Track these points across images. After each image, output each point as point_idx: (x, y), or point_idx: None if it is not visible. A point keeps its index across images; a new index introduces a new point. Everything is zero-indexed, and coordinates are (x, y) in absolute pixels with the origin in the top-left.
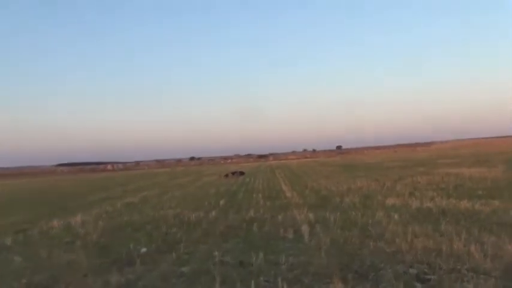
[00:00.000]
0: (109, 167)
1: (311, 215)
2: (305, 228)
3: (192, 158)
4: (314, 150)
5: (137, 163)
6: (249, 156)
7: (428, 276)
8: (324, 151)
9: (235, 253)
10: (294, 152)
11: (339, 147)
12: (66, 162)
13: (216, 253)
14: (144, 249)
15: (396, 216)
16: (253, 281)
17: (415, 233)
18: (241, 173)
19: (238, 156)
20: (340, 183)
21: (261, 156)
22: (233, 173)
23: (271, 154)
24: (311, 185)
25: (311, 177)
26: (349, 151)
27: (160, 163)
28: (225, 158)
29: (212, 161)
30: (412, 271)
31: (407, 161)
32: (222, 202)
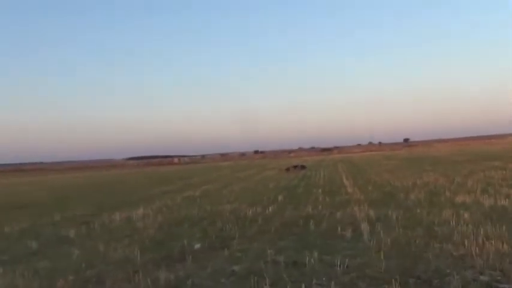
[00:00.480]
0: (175, 160)
1: (372, 212)
2: (365, 227)
3: (256, 152)
4: (380, 143)
5: (202, 156)
6: (312, 149)
7: (502, 286)
8: (391, 144)
9: (289, 252)
10: (359, 145)
11: (406, 140)
12: (135, 156)
13: (270, 251)
14: (197, 245)
15: (466, 215)
16: (304, 284)
17: (487, 235)
18: (303, 167)
19: (301, 149)
20: (405, 177)
21: (324, 150)
22: (294, 167)
23: (335, 147)
24: (374, 179)
25: (375, 171)
26: (416, 144)
27: (225, 156)
28: (289, 152)
29: (275, 154)
30: (483, 278)
31: (479, 155)
32: (280, 197)
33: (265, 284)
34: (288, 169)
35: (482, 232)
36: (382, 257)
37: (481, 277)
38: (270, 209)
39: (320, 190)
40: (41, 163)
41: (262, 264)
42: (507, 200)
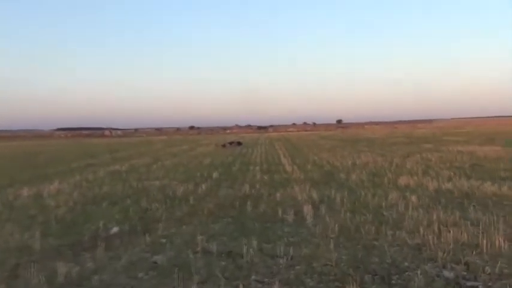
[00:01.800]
0: (106, 132)
1: (314, 194)
2: (308, 210)
3: (191, 127)
4: (314, 124)
5: (136, 130)
6: (248, 127)
7: (471, 283)
8: (324, 124)
9: (223, 239)
10: (294, 125)
11: (339, 121)
12: (65, 126)
13: (200, 238)
14: (115, 229)
15: (414, 199)
16: (241, 282)
17: (440, 221)
18: (239, 143)
19: (238, 126)
20: (343, 157)
21: (260, 128)
22: (230, 143)
23: (271, 126)
24: (313, 158)
25: (312, 150)
26: (349, 125)
27: (159, 131)
28: (224, 129)
29: (211, 130)
30: (448, 274)
31: (411, 137)
32: (215, 174)
33: (192, 281)
34: (224, 145)
35: (435, 218)
36: (330, 246)
37: (445, 272)
38: (203, 187)
39: (257, 168)
40: None
41: (191, 254)
42: (450, 183)
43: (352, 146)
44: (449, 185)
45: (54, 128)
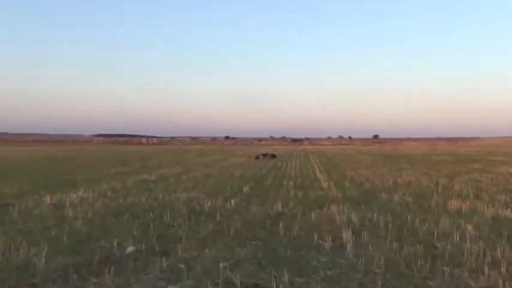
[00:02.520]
0: (143, 140)
1: (354, 216)
2: (347, 235)
3: (227, 137)
4: (350, 138)
5: (172, 138)
6: (283, 139)
7: None
8: (361, 139)
9: (250, 268)
10: (329, 138)
11: (375, 136)
12: (105, 133)
13: (223, 264)
14: (130, 248)
15: (470, 228)
16: None
17: (507, 259)
18: (273, 156)
19: (272, 138)
20: (383, 175)
21: (295, 140)
22: (264, 155)
23: (306, 138)
24: (350, 175)
25: (350, 166)
26: (386, 141)
27: (195, 140)
28: (259, 140)
29: (246, 141)
30: None
31: (455, 156)
32: (245, 188)
33: None
34: (257, 157)
35: (500, 254)
36: (376, 285)
37: None
38: (232, 203)
39: (291, 183)
40: (5, 133)
41: (210, 285)
42: (509, 209)
43: (392, 162)
44: (508, 213)
45: (94, 133)
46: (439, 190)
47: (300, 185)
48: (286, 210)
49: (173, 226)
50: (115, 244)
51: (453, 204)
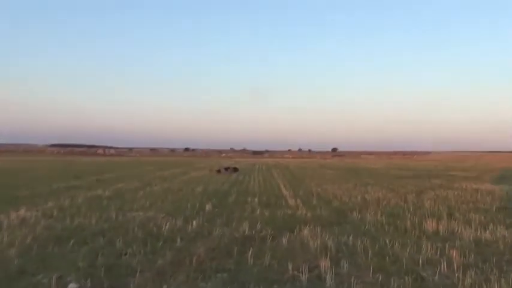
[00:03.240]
0: (99, 151)
1: (328, 239)
2: (325, 264)
3: (186, 149)
4: (310, 151)
5: (130, 149)
6: (244, 151)
7: None
8: (320, 152)
9: None
10: (289, 151)
11: (334, 150)
12: (60, 143)
13: None
14: (72, 285)
15: (454, 253)
16: None
17: None
18: (235, 169)
19: (233, 150)
20: (350, 191)
21: (256, 153)
22: (226, 169)
23: (267, 151)
24: (316, 190)
25: (314, 180)
26: (344, 154)
27: (154, 151)
28: (220, 152)
29: (206, 153)
30: None
31: (414, 170)
32: (208, 206)
33: None
34: (219, 171)
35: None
36: None
37: None
38: (194, 224)
39: (256, 200)
40: None
41: None
42: (487, 231)
43: (356, 177)
44: (488, 235)
45: (48, 143)
46: (411, 208)
47: (265, 203)
48: (254, 232)
49: (126, 254)
50: (54, 280)
51: (429, 224)
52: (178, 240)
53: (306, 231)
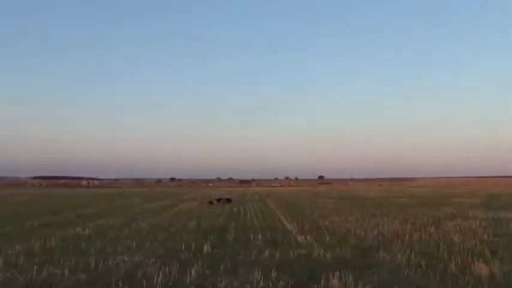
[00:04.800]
0: (83, 182)
1: None
2: None
3: (172, 179)
4: (296, 179)
5: (115, 180)
6: (230, 180)
7: None
8: (306, 180)
9: None
10: (276, 179)
11: (321, 177)
12: (42, 175)
13: None
14: None
15: None
16: None
17: None
18: (228, 200)
19: (219, 179)
20: (359, 222)
21: (243, 181)
22: (218, 200)
23: (253, 180)
24: (323, 224)
25: (315, 212)
26: (331, 181)
27: (139, 182)
28: (206, 181)
29: (193, 183)
30: None
31: (414, 197)
32: (206, 247)
33: None
34: (211, 202)
35: None
36: None
37: None
38: (193, 273)
39: (260, 237)
40: None
41: None
42: None
43: (357, 206)
44: None
45: (31, 175)
46: (442, 245)
47: (271, 240)
48: (270, 285)
49: None
50: None
51: (479, 267)
52: None
53: (335, 281)
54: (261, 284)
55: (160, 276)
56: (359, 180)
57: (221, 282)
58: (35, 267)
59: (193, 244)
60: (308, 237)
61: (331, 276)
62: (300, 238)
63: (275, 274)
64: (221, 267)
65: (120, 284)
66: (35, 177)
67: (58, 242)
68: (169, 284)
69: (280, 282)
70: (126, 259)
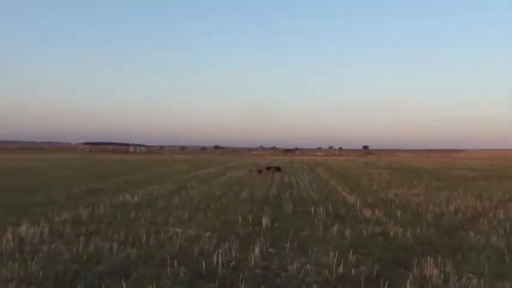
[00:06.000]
0: (131, 149)
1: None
2: None
3: (216, 147)
4: (340, 149)
5: (161, 147)
6: (274, 149)
7: None
8: (351, 150)
9: None
10: (320, 149)
11: (365, 147)
12: (93, 141)
13: None
14: None
15: None
16: None
17: None
18: (278, 169)
19: (263, 148)
20: (428, 197)
21: (286, 151)
22: (268, 169)
23: (297, 149)
24: (386, 196)
25: (372, 183)
26: (376, 152)
27: (184, 149)
28: (250, 150)
29: (236, 151)
30: None
31: (476, 170)
32: (265, 220)
33: None
34: (260, 171)
35: None
36: None
37: None
38: (256, 252)
39: (321, 210)
40: None
41: None
42: None
43: (417, 178)
44: None
45: (82, 141)
46: None
47: (335, 214)
48: (352, 271)
49: None
50: None
51: None
52: (243, 279)
53: (431, 268)
54: (340, 269)
55: (220, 254)
56: (405, 151)
57: (291, 264)
58: (82, 239)
59: (250, 216)
60: (376, 211)
61: (424, 262)
62: (367, 213)
63: (352, 256)
64: (287, 245)
65: (175, 264)
66: (85, 143)
67: (106, 210)
68: (232, 264)
69: (361, 267)
70: (179, 231)
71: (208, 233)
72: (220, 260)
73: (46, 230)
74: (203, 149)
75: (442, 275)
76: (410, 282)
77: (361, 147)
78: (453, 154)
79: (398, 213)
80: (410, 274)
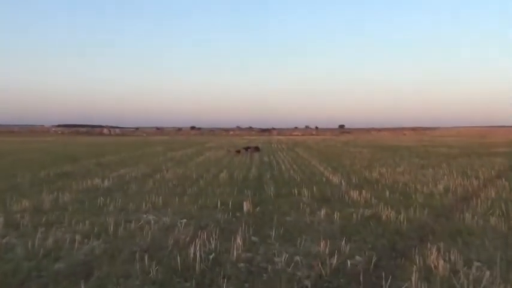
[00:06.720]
0: (105, 130)
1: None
2: None
3: (192, 128)
4: (317, 128)
5: (136, 129)
6: (250, 129)
7: None
8: (327, 129)
9: None
10: (296, 128)
11: (341, 126)
12: (65, 123)
13: None
14: None
15: None
16: None
17: None
18: (257, 149)
19: (239, 128)
20: (412, 175)
21: (263, 130)
22: (246, 149)
23: (274, 129)
24: (370, 176)
25: (355, 162)
26: (352, 131)
27: (160, 131)
28: (226, 130)
29: (213, 132)
30: None
31: (450, 147)
32: (246, 204)
33: None
34: (238, 151)
35: None
36: None
37: None
38: (238, 242)
39: (306, 192)
40: None
41: None
42: None
43: (398, 157)
44: None
45: (55, 124)
46: None
47: (320, 197)
48: (347, 263)
49: None
50: None
51: None
52: (225, 283)
53: (436, 257)
54: (333, 260)
55: (197, 245)
56: (380, 130)
57: (278, 256)
58: (40, 230)
59: (230, 200)
60: (364, 193)
61: (425, 250)
62: (353, 194)
63: (345, 245)
64: (272, 233)
65: (146, 258)
66: (59, 126)
67: (73, 196)
68: (211, 257)
69: (357, 257)
70: (152, 220)
71: (184, 221)
72: (198, 253)
73: (1, 220)
74: (179, 130)
75: (448, 265)
76: (415, 276)
77: (337, 127)
78: (427, 132)
79: (387, 193)
80: (405, 261)
